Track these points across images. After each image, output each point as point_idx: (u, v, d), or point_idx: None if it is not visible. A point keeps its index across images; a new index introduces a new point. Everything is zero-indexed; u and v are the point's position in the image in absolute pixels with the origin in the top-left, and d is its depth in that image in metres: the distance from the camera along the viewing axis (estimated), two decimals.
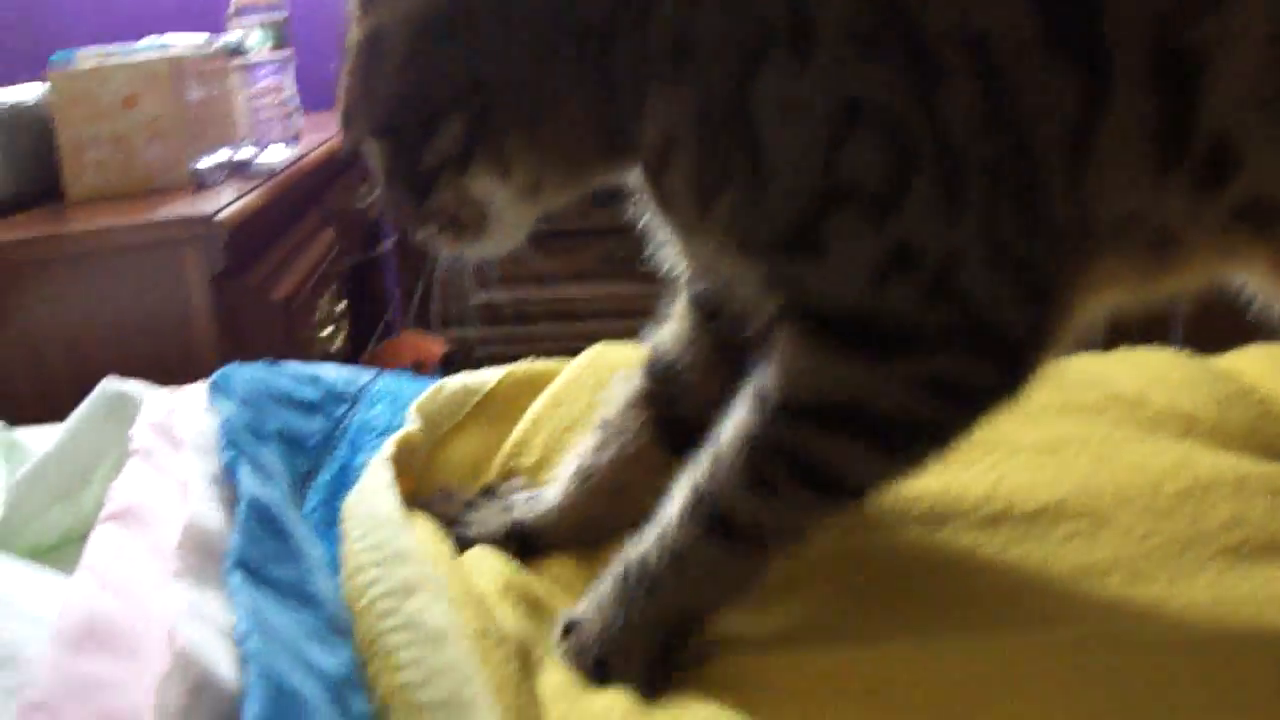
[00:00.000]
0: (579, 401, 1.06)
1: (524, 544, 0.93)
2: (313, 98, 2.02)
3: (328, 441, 1.04)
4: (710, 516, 0.75)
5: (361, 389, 1.13)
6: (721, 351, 0.90)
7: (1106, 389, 1.06)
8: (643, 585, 0.77)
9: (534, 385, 1.11)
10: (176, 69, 1.68)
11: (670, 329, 0.95)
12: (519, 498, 0.97)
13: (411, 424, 1.00)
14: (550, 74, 0.77)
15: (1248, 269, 0.79)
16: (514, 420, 1.07)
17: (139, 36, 1.83)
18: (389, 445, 0.94)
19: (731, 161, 0.72)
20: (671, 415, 0.93)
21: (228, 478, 0.85)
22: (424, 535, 0.82)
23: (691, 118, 0.73)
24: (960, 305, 0.70)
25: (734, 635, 0.79)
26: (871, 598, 0.81)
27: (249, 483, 0.82)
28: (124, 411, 0.97)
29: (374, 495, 0.86)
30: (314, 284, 1.83)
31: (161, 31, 1.87)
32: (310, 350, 1.76)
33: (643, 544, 0.78)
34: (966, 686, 0.69)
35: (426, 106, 0.79)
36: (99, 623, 0.66)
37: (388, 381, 1.16)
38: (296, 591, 0.75)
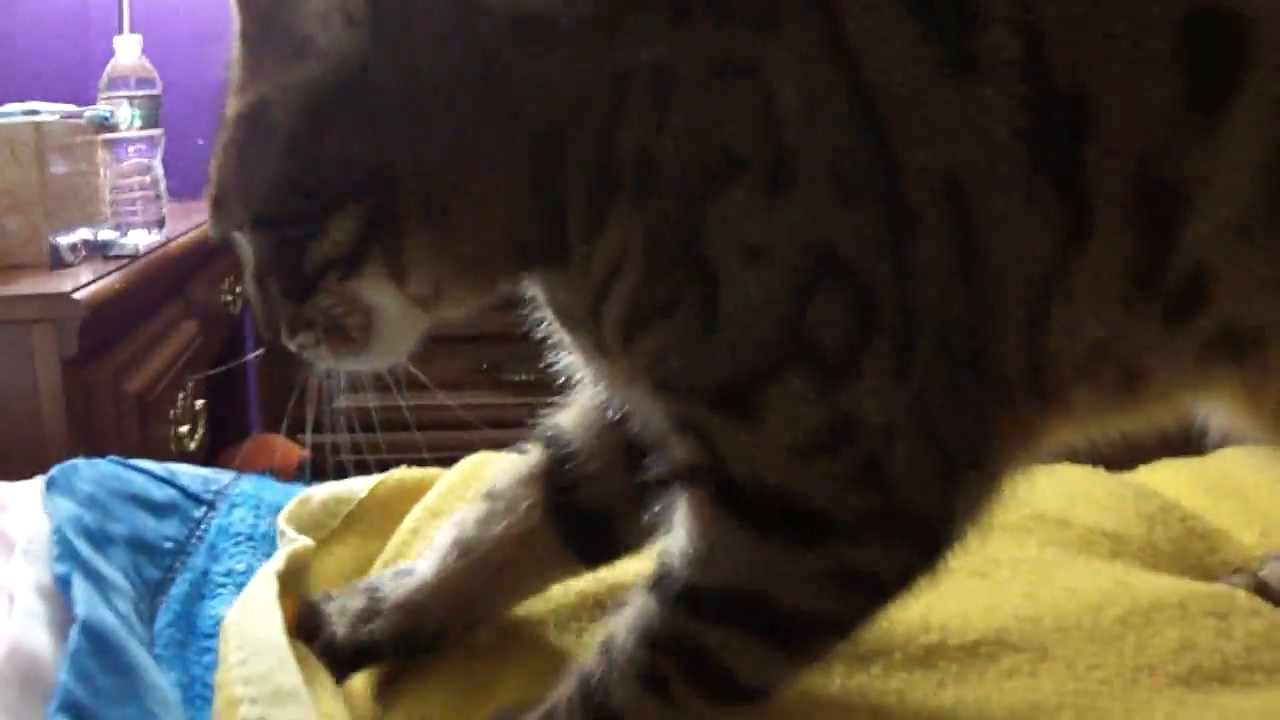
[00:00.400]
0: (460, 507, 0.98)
1: (391, 621, 0.84)
2: (179, 185, 1.92)
3: (182, 548, 0.94)
4: (599, 714, 0.69)
5: (220, 491, 1.04)
6: (628, 449, 0.83)
7: (1028, 507, 1.02)
8: None
9: (407, 494, 1.05)
10: (40, 137, 1.57)
11: (575, 414, 0.88)
12: (384, 576, 0.90)
13: (288, 536, 0.90)
14: (470, 170, 0.67)
15: (1217, 399, 0.75)
16: (387, 532, 1.01)
17: (7, 100, 1.71)
18: (279, 559, 0.85)
19: (678, 295, 0.65)
20: (567, 501, 0.86)
21: (61, 592, 0.74)
22: (309, 669, 0.74)
23: (645, 239, 0.66)
24: (884, 490, 0.65)
25: None
26: None
27: (85, 602, 0.72)
28: None
29: (256, 616, 0.76)
30: (172, 378, 1.71)
31: (25, 99, 1.75)
32: (165, 449, 1.64)
33: None
34: None
35: (316, 195, 0.68)
36: None
37: (248, 484, 1.08)
38: None
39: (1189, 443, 0.84)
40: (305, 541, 0.90)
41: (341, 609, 0.86)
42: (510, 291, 0.77)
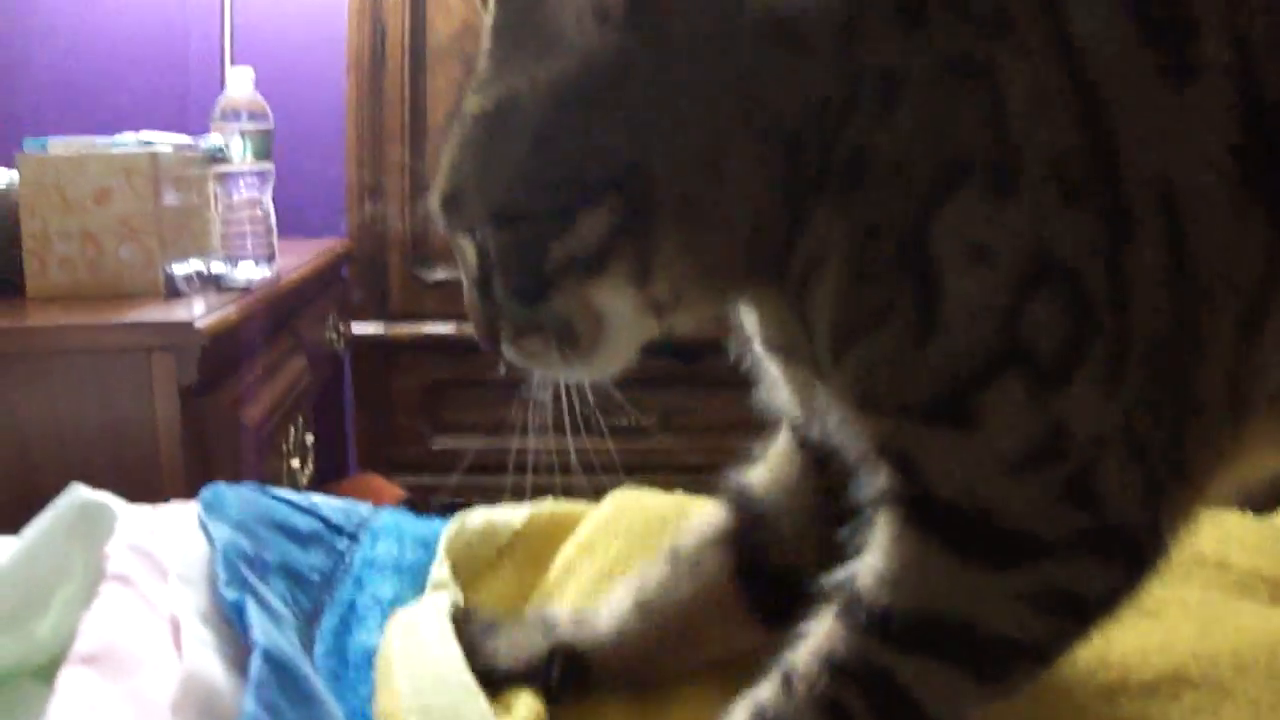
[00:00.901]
0: (610, 549, 0.97)
1: (568, 670, 0.81)
2: (283, 224, 1.91)
3: (329, 580, 0.90)
4: None
5: (361, 524, 1.00)
6: (827, 507, 0.79)
7: (1187, 550, 0.95)
8: None
9: (559, 527, 1.02)
10: (155, 166, 1.55)
11: (767, 470, 0.85)
12: (560, 616, 0.86)
13: (442, 569, 0.86)
14: (723, 169, 0.66)
15: None
16: (543, 564, 0.98)
17: (115, 132, 1.70)
18: (445, 596, 0.82)
19: (893, 299, 0.63)
20: (757, 564, 0.82)
21: (233, 618, 0.70)
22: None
23: (855, 243, 0.64)
24: (1093, 506, 0.62)
25: None
26: None
27: (262, 629, 0.68)
28: (94, 527, 0.82)
29: (430, 649, 0.73)
30: (285, 411, 1.69)
31: (139, 129, 1.74)
32: (278, 482, 1.61)
33: None
34: None
35: (568, 189, 0.66)
36: None
37: (388, 517, 1.04)
38: None
39: None
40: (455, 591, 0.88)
41: (512, 642, 0.83)
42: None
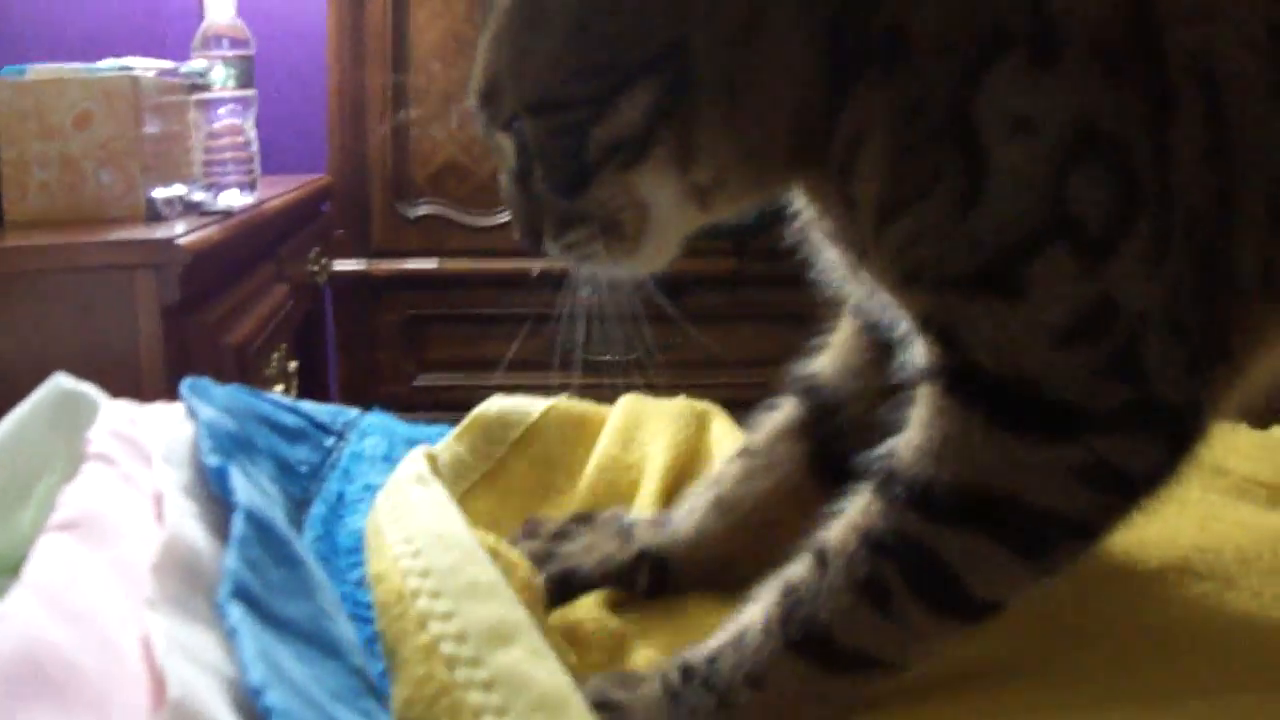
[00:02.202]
0: (650, 446, 0.98)
1: (656, 576, 0.82)
2: (264, 160, 1.89)
3: (317, 472, 0.90)
4: (804, 628, 0.63)
5: (349, 423, 0.99)
6: (895, 387, 0.78)
7: None
8: (712, 697, 0.64)
9: (574, 425, 1.01)
10: (136, 90, 1.54)
11: (831, 357, 0.85)
12: (639, 523, 0.85)
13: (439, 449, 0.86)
14: (764, 44, 0.65)
15: None
16: (561, 461, 0.98)
17: (94, 60, 1.69)
18: (418, 460, 0.79)
19: (938, 172, 0.62)
20: (830, 452, 0.82)
21: (217, 486, 0.69)
22: (506, 567, 0.68)
23: (897, 117, 0.63)
24: (1139, 379, 0.62)
25: None
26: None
27: (245, 492, 0.66)
28: (76, 416, 0.80)
29: (420, 511, 0.71)
30: (267, 337, 1.68)
31: (120, 55, 1.73)
32: None
33: (712, 645, 0.66)
34: None
35: (607, 73, 0.65)
36: (46, 659, 0.49)
37: (376, 417, 1.04)
38: (315, 636, 0.59)
39: None
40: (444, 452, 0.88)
41: (589, 546, 0.83)
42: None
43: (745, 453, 0.84)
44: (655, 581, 0.82)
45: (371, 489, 0.83)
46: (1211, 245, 0.62)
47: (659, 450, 0.96)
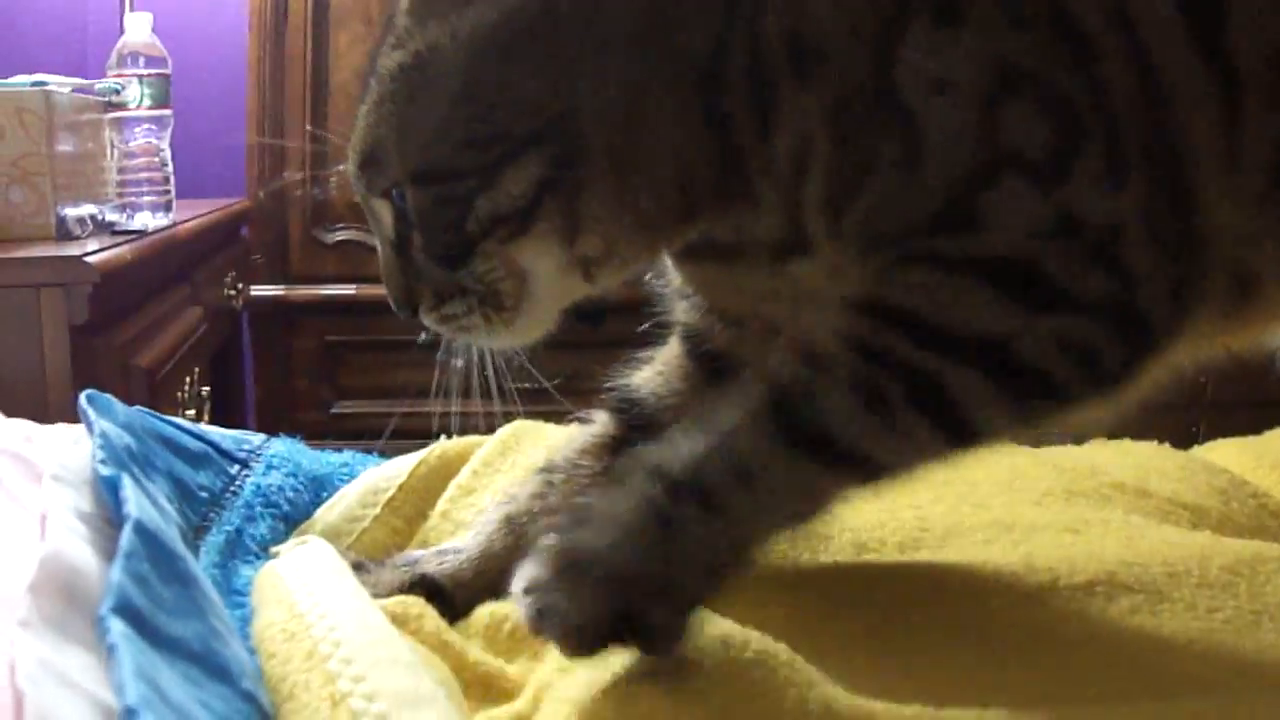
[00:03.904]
0: (497, 480, 0.96)
1: (431, 598, 0.78)
2: (181, 185, 1.87)
3: (217, 500, 0.88)
4: (795, 427, 0.61)
5: (254, 451, 0.98)
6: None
7: (1106, 477, 1.00)
8: (701, 506, 0.60)
9: (449, 468, 1.00)
10: (49, 107, 1.51)
11: (650, 374, 0.85)
12: (424, 554, 0.83)
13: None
14: (650, 109, 0.66)
15: None
16: (426, 510, 0.96)
17: (9, 76, 1.66)
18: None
19: (877, 149, 0.64)
20: None
21: (108, 496, 0.67)
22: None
23: (828, 114, 0.64)
24: (1118, 275, 0.63)
25: None
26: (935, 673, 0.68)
27: (136, 504, 0.64)
28: None
29: (333, 579, 0.71)
30: (179, 360, 1.65)
31: (33, 72, 1.70)
32: None
33: (681, 456, 0.61)
34: None
35: (493, 144, 0.65)
36: None
37: (281, 446, 1.02)
38: (204, 658, 0.57)
39: None
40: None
41: (375, 582, 0.80)
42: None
43: (546, 469, 0.83)
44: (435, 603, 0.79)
45: (264, 543, 0.84)
46: (1174, 168, 0.64)
47: (509, 480, 0.94)
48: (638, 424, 0.83)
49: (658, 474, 0.61)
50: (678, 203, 0.69)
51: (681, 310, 0.83)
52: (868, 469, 0.64)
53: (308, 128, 2.46)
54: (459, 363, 0.79)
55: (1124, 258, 0.63)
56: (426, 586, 0.80)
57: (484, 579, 0.80)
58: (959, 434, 0.65)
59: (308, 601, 0.68)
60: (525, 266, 0.69)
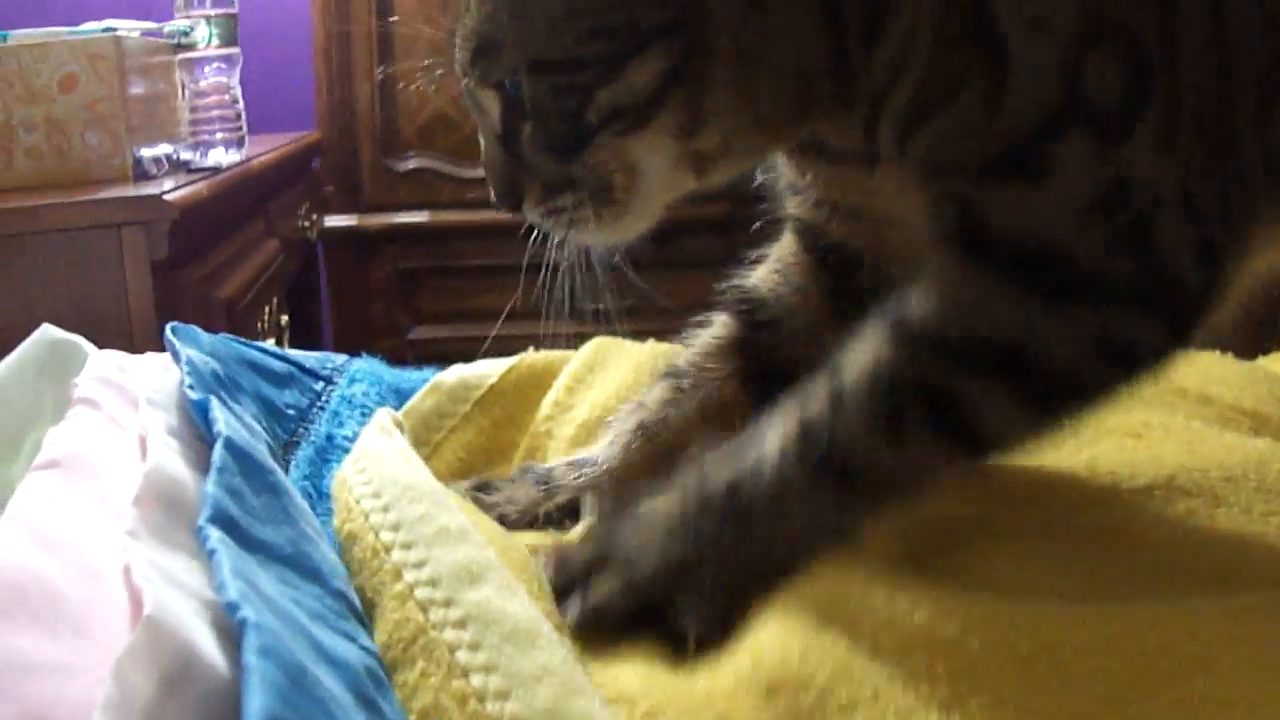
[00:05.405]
0: (589, 396, 0.96)
1: (571, 513, 0.80)
2: (251, 119, 1.90)
3: (305, 415, 0.90)
4: (822, 457, 0.63)
5: (337, 368, 1.00)
6: (836, 298, 0.80)
7: (1168, 383, 0.97)
8: (732, 517, 0.63)
9: (539, 380, 1.00)
10: (120, 51, 1.55)
11: (768, 273, 0.84)
12: (553, 466, 0.84)
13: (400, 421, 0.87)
14: (777, 6, 0.65)
15: None
16: (521, 420, 0.97)
17: (79, 22, 1.70)
18: (382, 415, 0.81)
19: (964, 75, 0.63)
20: (766, 365, 0.81)
21: (199, 420, 0.70)
22: (470, 512, 0.69)
23: (930, 27, 0.64)
24: (1151, 256, 0.63)
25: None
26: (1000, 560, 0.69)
27: (226, 424, 0.67)
28: (64, 365, 0.81)
29: (390, 460, 0.71)
30: (258, 291, 1.70)
31: (103, 19, 1.73)
32: None
33: (724, 472, 0.64)
34: (1151, 656, 0.56)
35: (620, 35, 0.64)
36: (31, 587, 0.51)
37: (365, 363, 1.04)
38: (294, 561, 0.60)
39: None
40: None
41: (509, 498, 0.82)
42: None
43: (670, 374, 0.83)
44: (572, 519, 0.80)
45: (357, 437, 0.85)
46: (1221, 134, 0.64)
47: (603, 394, 0.94)
48: (762, 321, 0.83)
49: (699, 486, 0.64)
50: (794, 101, 0.68)
51: (794, 205, 0.82)
52: (891, 494, 0.64)
53: (374, 54, 2.48)
54: (565, 262, 0.77)
55: (1156, 233, 0.63)
56: (566, 500, 0.81)
57: (629, 491, 0.80)
58: (971, 450, 0.65)
59: (369, 500, 0.68)
60: (638, 159, 0.68)
